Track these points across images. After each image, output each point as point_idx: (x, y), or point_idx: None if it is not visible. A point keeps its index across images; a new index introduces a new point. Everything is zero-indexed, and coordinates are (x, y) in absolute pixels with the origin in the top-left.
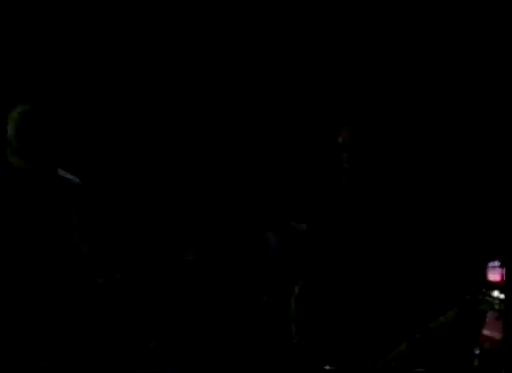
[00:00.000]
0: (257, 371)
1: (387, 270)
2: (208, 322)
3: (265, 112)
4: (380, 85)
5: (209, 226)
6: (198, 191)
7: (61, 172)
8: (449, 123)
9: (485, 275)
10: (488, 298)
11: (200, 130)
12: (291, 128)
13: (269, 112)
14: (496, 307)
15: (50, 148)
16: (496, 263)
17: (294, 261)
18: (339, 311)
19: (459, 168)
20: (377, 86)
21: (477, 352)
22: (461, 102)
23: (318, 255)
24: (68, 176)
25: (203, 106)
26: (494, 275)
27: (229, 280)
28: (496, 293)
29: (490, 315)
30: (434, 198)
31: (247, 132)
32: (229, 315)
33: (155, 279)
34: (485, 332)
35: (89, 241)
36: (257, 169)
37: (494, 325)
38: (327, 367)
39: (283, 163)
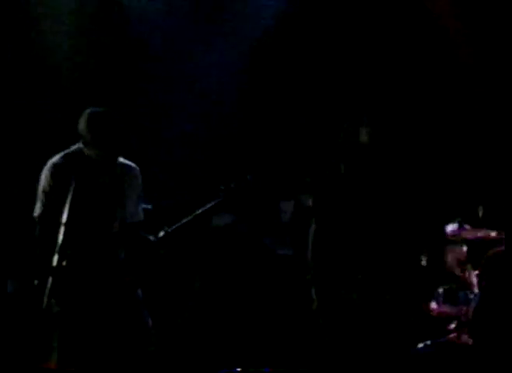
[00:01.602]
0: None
1: (370, 225)
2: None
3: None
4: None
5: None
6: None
7: (121, 159)
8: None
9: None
10: None
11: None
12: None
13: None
14: None
15: (114, 140)
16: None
17: (303, 223)
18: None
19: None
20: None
21: None
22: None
23: (323, 213)
24: (126, 161)
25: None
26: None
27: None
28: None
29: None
30: (408, 181)
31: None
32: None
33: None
34: None
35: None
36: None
37: None
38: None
39: (299, 156)
